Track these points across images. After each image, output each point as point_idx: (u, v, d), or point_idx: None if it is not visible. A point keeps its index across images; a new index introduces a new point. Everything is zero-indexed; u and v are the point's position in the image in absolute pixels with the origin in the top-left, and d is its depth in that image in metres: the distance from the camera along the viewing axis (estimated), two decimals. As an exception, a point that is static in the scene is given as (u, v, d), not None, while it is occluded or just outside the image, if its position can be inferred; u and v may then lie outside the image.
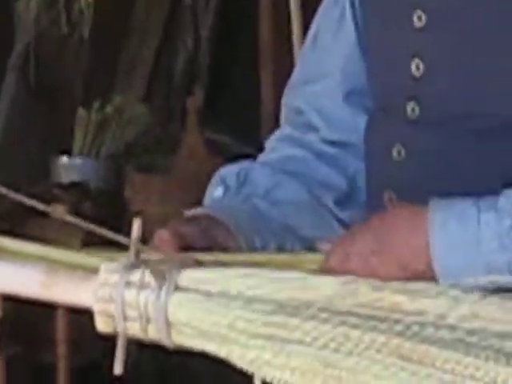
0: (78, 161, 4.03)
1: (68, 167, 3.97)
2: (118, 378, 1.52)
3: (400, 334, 1.25)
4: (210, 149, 4.07)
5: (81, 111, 4.26)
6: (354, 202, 2.59)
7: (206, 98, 4.75)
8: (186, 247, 2.00)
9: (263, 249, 2.38)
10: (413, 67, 2.39)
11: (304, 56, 2.77)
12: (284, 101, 2.76)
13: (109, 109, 4.29)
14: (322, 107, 2.63)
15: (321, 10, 2.75)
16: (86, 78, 4.75)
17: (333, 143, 2.62)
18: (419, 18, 2.38)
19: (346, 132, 2.62)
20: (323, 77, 2.65)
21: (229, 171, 2.57)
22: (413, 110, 2.39)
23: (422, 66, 2.38)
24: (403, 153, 2.42)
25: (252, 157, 3.91)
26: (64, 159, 4.04)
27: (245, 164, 2.61)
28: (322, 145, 2.63)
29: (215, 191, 2.50)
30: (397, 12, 2.45)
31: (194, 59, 5.02)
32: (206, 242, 2.21)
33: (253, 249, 2.36)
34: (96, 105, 4.34)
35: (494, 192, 2.10)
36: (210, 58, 5.01)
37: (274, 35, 4.70)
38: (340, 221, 2.54)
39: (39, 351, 3.29)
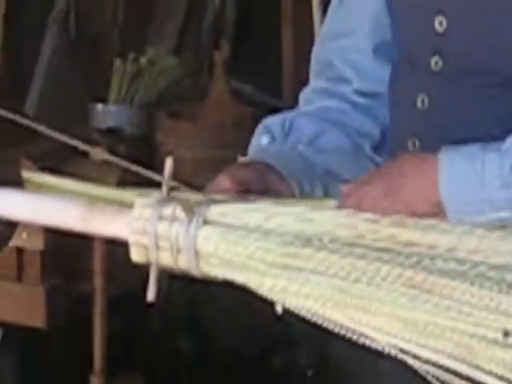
0: (113, 108, 4.07)
1: (105, 114, 4.01)
2: (151, 306, 1.57)
3: (401, 263, 1.28)
4: (235, 97, 4.10)
5: (117, 62, 4.29)
6: (386, 147, 2.58)
7: (231, 52, 4.77)
8: (244, 191, 1.99)
9: (311, 193, 2.38)
10: (436, 23, 2.37)
11: (332, 12, 2.70)
12: (314, 55, 2.72)
13: (142, 60, 4.32)
14: (352, 60, 2.61)
15: None
16: (122, 32, 4.77)
17: (365, 94, 2.61)
18: None
19: (376, 83, 2.61)
20: (352, 32, 2.62)
21: (274, 121, 2.55)
22: (436, 63, 2.38)
23: (444, 22, 2.35)
24: (427, 102, 2.41)
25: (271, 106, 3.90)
26: (101, 106, 4.08)
27: (288, 114, 2.57)
28: (355, 96, 2.60)
29: (261, 139, 2.49)
30: None
31: (220, 15, 5.05)
32: (262, 186, 2.19)
33: (303, 193, 2.34)
34: (131, 56, 4.37)
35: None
36: (235, 15, 5.03)
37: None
38: (377, 165, 2.54)
39: (78, 282, 3.31)
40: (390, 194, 2.11)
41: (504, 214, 1.94)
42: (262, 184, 2.24)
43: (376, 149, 2.58)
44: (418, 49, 2.44)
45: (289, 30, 4.91)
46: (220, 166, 2.48)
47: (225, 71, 4.46)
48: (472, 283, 1.28)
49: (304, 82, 2.75)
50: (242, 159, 2.37)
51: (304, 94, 2.70)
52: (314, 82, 2.70)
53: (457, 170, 2.13)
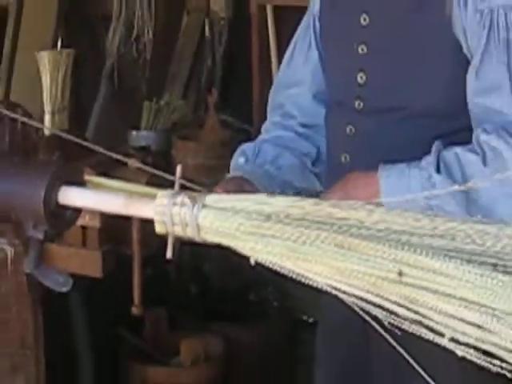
0: (143, 133, 4.10)
1: (138, 137, 4.04)
2: (169, 262, 1.59)
3: (335, 231, 1.28)
4: (222, 125, 4.16)
5: (145, 103, 4.30)
6: (321, 162, 2.52)
7: (219, 96, 4.78)
8: None
9: None
10: (358, 78, 2.33)
11: (284, 67, 2.65)
12: (271, 97, 2.67)
13: (161, 102, 4.33)
14: (297, 103, 2.54)
15: (294, 39, 2.64)
16: (148, 83, 4.82)
17: (306, 126, 2.53)
18: (362, 49, 2.31)
19: (314, 118, 2.53)
20: (298, 83, 2.55)
21: (247, 147, 2.50)
22: (358, 104, 2.33)
23: (364, 77, 2.31)
24: (353, 130, 2.35)
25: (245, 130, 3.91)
26: (135, 132, 4.11)
27: (257, 142, 2.53)
28: (299, 127, 2.53)
29: (239, 159, 2.44)
30: (346, 45, 2.37)
31: (212, 72, 5.07)
32: None
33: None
34: (154, 100, 4.38)
35: (414, 158, 2.14)
36: (221, 72, 5.06)
37: (260, 59, 4.74)
38: (315, 174, 2.50)
39: (122, 247, 3.33)
40: (346, 199, 1.98)
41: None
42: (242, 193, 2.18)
43: (314, 163, 2.52)
44: (345, 95, 2.40)
45: (256, 82, 4.93)
46: (212, 170, 2.55)
47: (215, 109, 4.47)
48: (379, 243, 1.28)
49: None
50: (228, 176, 2.37)
51: (264, 125, 2.64)
52: (271, 117, 2.64)
53: (392, 184, 2.13)
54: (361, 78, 2.34)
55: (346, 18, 2.42)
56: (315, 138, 2.55)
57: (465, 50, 2.17)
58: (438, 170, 2.08)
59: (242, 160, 2.46)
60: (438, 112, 2.23)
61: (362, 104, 2.35)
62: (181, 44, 4.94)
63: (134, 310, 3.40)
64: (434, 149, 2.11)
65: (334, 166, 2.45)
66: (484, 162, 2.05)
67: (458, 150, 2.09)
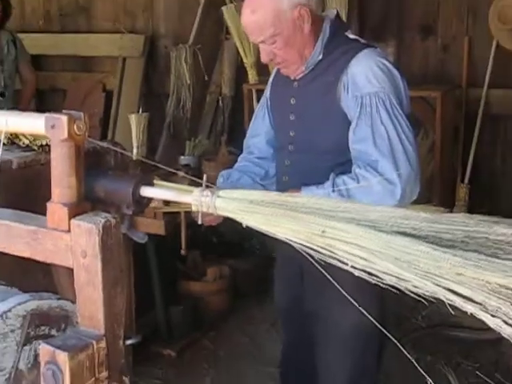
0: (186, 157, 3.99)
1: (183, 160, 3.94)
2: (200, 226, 1.54)
3: (288, 209, 1.27)
4: (229, 153, 4.08)
5: (187, 142, 4.23)
6: (268, 178, 2.35)
7: (227, 137, 4.70)
8: None
9: None
10: (290, 133, 2.23)
11: (250, 126, 2.48)
12: (244, 142, 2.49)
13: (196, 141, 4.25)
14: (257, 146, 2.40)
15: (256, 109, 2.50)
16: (189, 131, 4.68)
17: (260, 158, 2.39)
18: (292, 118, 2.23)
19: (265, 154, 2.39)
20: (258, 135, 2.41)
21: (224, 172, 2.36)
22: (290, 148, 2.23)
23: (293, 133, 2.22)
24: (289, 162, 2.24)
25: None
26: (182, 157, 4.01)
27: (230, 170, 2.38)
28: (256, 159, 2.39)
29: (220, 179, 2.31)
30: (283, 114, 2.27)
31: (223, 124, 4.96)
32: None
33: None
34: (192, 139, 4.30)
35: (324, 177, 2.06)
36: (228, 124, 4.93)
37: (249, 117, 4.68)
38: (263, 185, 2.32)
39: (177, 219, 3.28)
40: None
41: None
42: None
43: (262, 179, 2.36)
44: (283, 143, 2.28)
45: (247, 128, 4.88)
46: None
47: (225, 144, 4.40)
48: (312, 214, 1.26)
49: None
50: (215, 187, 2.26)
51: (239, 157, 2.47)
52: (243, 153, 2.47)
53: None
54: (291, 133, 2.25)
55: (282, 100, 2.29)
56: (264, 165, 2.39)
57: (348, 118, 2.09)
58: (333, 190, 1.99)
59: (220, 180, 2.32)
60: (334, 151, 2.13)
61: (292, 147, 2.25)
62: (206, 109, 4.90)
63: (183, 252, 3.38)
64: (330, 177, 2.03)
65: (280, 182, 2.30)
66: (358, 182, 1.98)
67: (345, 177, 2.02)
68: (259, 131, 2.44)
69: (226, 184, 2.29)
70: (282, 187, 2.18)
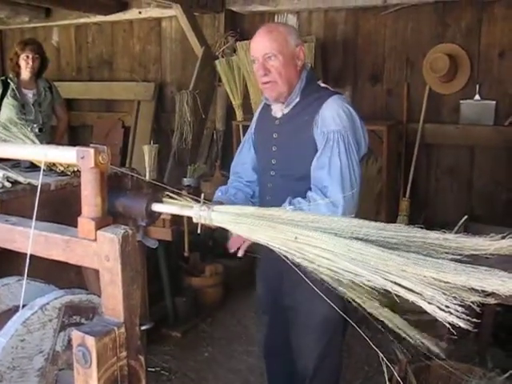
0: (188, 179, 3.95)
1: (186, 181, 3.88)
2: (199, 234, 1.50)
3: (268, 220, 1.26)
4: (222, 175, 4.04)
5: (189, 167, 4.20)
6: (255, 198, 2.28)
7: (221, 163, 4.68)
8: None
9: None
10: (272, 161, 2.19)
11: (237, 154, 2.39)
12: (232, 168, 2.40)
13: (195, 166, 4.21)
14: (244, 172, 2.33)
15: (242, 141, 2.41)
16: (190, 158, 4.65)
17: (248, 181, 2.31)
18: (274, 148, 2.19)
19: (251, 179, 2.32)
20: (245, 163, 2.34)
21: (222, 188, 2.28)
22: (272, 173, 2.19)
23: (275, 161, 2.18)
24: (271, 185, 2.19)
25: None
26: (185, 179, 3.97)
27: (226, 186, 2.29)
28: (245, 182, 2.31)
29: (218, 193, 2.24)
30: (266, 145, 2.21)
31: (217, 152, 4.94)
32: None
33: None
34: (192, 165, 4.27)
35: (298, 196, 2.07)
36: (221, 152, 4.91)
37: (237, 147, 4.67)
38: (253, 203, 2.25)
39: (180, 226, 3.24)
40: None
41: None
42: None
43: (252, 197, 2.29)
44: (266, 169, 2.23)
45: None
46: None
47: (219, 168, 4.38)
48: (287, 224, 1.25)
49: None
50: (213, 200, 2.13)
51: (229, 180, 2.35)
52: (232, 177, 2.37)
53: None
54: (273, 161, 2.21)
55: (266, 134, 2.24)
56: (252, 188, 2.33)
57: (317, 149, 2.07)
58: (290, 208, 1.91)
59: (219, 193, 2.25)
60: (307, 177, 2.09)
61: (274, 173, 2.21)
62: (203, 141, 4.90)
63: (185, 253, 3.36)
64: (288, 198, 2.01)
65: (263, 201, 2.22)
66: (309, 203, 1.97)
67: (299, 198, 2.00)
68: (246, 160, 2.37)
69: (223, 197, 2.23)
70: (265, 205, 2.11)
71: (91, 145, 1.11)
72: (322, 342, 2.24)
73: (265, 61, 2.04)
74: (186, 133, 4.59)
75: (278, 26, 2.12)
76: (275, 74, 2.05)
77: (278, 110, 2.18)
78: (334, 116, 2.05)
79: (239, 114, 4.61)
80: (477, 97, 4.24)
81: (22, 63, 4.20)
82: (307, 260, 1.23)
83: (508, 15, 4.09)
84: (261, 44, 2.05)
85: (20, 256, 1.20)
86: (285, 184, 2.16)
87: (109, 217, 1.14)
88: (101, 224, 1.09)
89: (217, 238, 4.21)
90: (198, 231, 1.43)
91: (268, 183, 2.23)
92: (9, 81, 4.21)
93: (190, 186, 3.86)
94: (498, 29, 4.15)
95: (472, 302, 1.13)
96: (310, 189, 2.07)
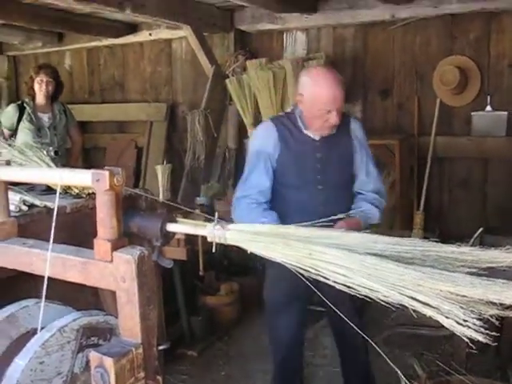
0: (202, 198, 3.94)
1: (199, 200, 3.88)
2: (214, 253, 1.50)
3: (283, 237, 1.27)
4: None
5: (202, 186, 4.21)
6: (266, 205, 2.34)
7: (233, 181, 4.68)
8: None
9: None
10: (318, 176, 2.35)
11: (252, 180, 2.37)
12: (245, 191, 2.37)
13: (209, 185, 4.24)
14: (264, 195, 2.33)
15: (254, 166, 2.39)
16: (203, 177, 4.64)
17: (266, 202, 2.33)
18: (318, 165, 2.35)
19: (269, 198, 2.34)
20: (264, 186, 2.34)
21: (270, 215, 2.28)
22: (319, 187, 2.34)
23: (319, 177, 2.35)
24: (321, 197, 2.33)
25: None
26: (198, 198, 3.97)
27: (269, 211, 2.32)
28: (265, 205, 2.33)
29: (273, 217, 2.29)
30: (309, 164, 2.35)
31: (230, 171, 4.93)
32: None
33: None
34: (206, 183, 4.29)
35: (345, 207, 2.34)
36: (234, 171, 4.91)
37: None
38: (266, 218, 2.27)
39: (194, 246, 3.24)
40: (348, 228, 2.06)
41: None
42: None
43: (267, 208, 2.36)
44: (310, 184, 2.34)
45: None
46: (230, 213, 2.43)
47: (232, 187, 4.38)
48: (301, 242, 1.25)
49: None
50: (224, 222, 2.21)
51: (245, 204, 2.33)
52: (247, 200, 2.35)
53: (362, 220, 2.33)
54: (318, 177, 2.35)
55: (306, 154, 2.35)
56: (268, 196, 2.36)
57: (354, 161, 2.42)
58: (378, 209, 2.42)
59: (274, 217, 2.27)
60: (348, 185, 2.43)
61: (321, 187, 2.35)
62: (215, 160, 4.90)
63: (201, 272, 3.37)
64: (363, 204, 2.38)
65: (313, 212, 2.01)
66: (378, 207, 2.43)
67: (366, 204, 2.40)
68: (265, 183, 2.37)
69: (273, 217, 2.28)
70: (317, 216, 1.99)
71: (106, 167, 1.13)
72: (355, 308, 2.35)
73: (338, 111, 2.27)
74: (199, 152, 4.60)
75: (337, 74, 2.31)
76: (339, 118, 2.30)
77: (315, 134, 2.37)
78: (362, 132, 2.47)
79: (251, 132, 4.62)
80: (488, 108, 4.23)
81: (37, 87, 4.26)
82: (322, 276, 1.24)
83: (516, 26, 4.10)
84: (338, 99, 2.25)
85: (38, 278, 1.21)
86: (332, 195, 2.36)
87: (124, 238, 1.15)
88: (117, 245, 1.10)
89: (232, 256, 4.21)
90: (213, 250, 1.44)
91: (318, 196, 2.36)
92: (25, 105, 4.26)
93: (203, 204, 3.86)
94: (506, 39, 4.15)
95: (490, 316, 1.13)
96: (359, 193, 2.45)
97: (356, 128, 2.44)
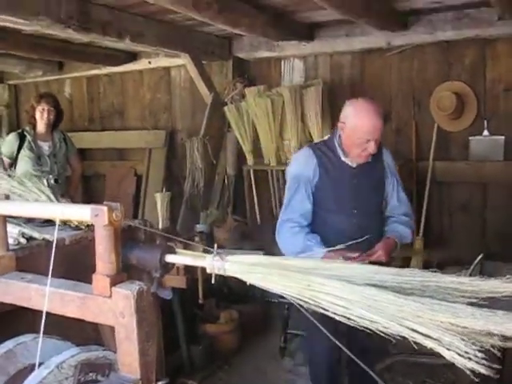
0: (201, 225, 3.92)
1: (198, 227, 3.85)
2: (212, 284, 1.51)
3: (280, 268, 1.26)
4: (234, 220, 4.04)
5: (201, 213, 4.19)
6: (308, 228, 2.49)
7: (232, 207, 4.68)
8: None
9: None
10: (353, 202, 2.50)
11: (293, 206, 2.52)
12: (286, 217, 2.51)
13: (208, 212, 4.21)
14: (305, 218, 2.48)
15: (294, 193, 2.52)
16: (202, 204, 4.61)
17: (308, 225, 2.49)
18: (354, 191, 2.50)
19: (310, 220, 2.50)
20: (306, 210, 2.49)
21: (314, 238, 2.43)
22: (354, 211, 2.49)
23: (355, 203, 2.49)
24: (355, 221, 2.48)
25: (244, 222, 3.76)
26: (197, 225, 3.94)
27: (312, 234, 2.45)
28: (307, 228, 2.48)
29: (316, 239, 2.43)
30: (345, 189, 2.50)
31: (229, 198, 4.91)
32: None
33: None
34: (205, 211, 4.27)
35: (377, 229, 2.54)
36: (233, 197, 4.89)
37: (249, 192, 4.63)
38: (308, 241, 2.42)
39: (193, 275, 3.22)
40: (386, 250, 2.40)
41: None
42: None
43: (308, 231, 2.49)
44: (346, 208, 2.48)
45: (248, 201, 4.73)
46: (229, 240, 2.46)
47: (231, 213, 4.37)
48: (299, 273, 1.25)
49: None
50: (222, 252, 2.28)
51: (289, 228, 2.48)
52: (289, 224, 2.48)
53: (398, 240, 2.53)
54: (354, 203, 2.48)
55: (343, 181, 2.49)
56: (308, 220, 2.50)
57: (386, 187, 2.60)
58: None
59: (313, 241, 2.39)
60: (380, 210, 2.59)
61: (356, 211, 2.48)
62: (214, 187, 4.87)
63: (200, 301, 3.35)
64: (399, 227, 2.56)
65: (347, 236, 2.18)
66: (410, 228, 2.62)
67: (400, 226, 2.56)
68: (307, 206, 2.51)
69: (317, 239, 2.40)
70: (353, 239, 2.14)
71: (104, 202, 1.13)
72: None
73: (376, 140, 2.41)
74: (198, 179, 4.61)
75: (378, 107, 2.46)
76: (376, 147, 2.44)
77: (352, 161, 2.51)
78: (392, 159, 2.64)
79: (250, 159, 4.66)
80: (485, 132, 4.25)
81: (38, 115, 4.29)
82: (322, 308, 1.23)
83: (511, 51, 4.14)
84: (377, 130, 2.40)
85: (36, 313, 1.21)
86: (365, 219, 2.49)
87: (123, 273, 1.15)
88: (115, 280, 1.10)
89: (231, 285, 4.18)
90: (212, 281, 1.43)
91: (353, 219, 2.49)
92: (25, 133, 4.29)
93: (202, 232, 3.85)
94: (502, 65, 4.18)
95: (492, 347, 1.12)
96: (391, 216, 2.61)
97: (387, 155, 2.62)
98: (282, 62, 4.95)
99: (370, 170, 2.52)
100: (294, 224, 2.47)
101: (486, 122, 4.25)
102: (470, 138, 4.30)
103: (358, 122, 2.39)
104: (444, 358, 1.13)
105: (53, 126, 4.39)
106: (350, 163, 2.50)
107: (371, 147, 2.40)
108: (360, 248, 2.25)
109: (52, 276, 1.20)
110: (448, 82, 4.33)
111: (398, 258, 3.94)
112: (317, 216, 2.51)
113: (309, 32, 4.54)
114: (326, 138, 2.68)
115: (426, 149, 4.43)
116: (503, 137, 4.19)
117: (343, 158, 2.49)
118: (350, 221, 2.46)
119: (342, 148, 2.49)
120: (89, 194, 5.97)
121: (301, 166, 2.53)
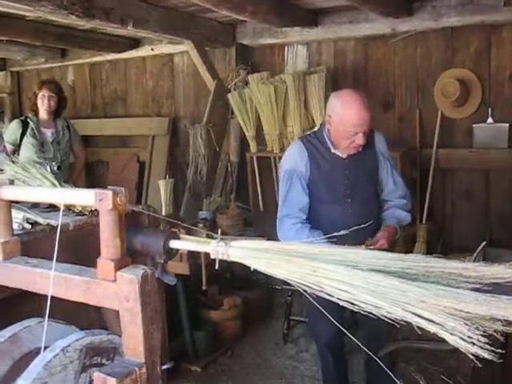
0: (204, 212, 3.94)
1: (201, 214, 3.87)
2: (217, 270, 1.51)
3: (286, 254, 1.26)
4: (237, 207, 4.04)
5: (204, 200, 4.20)
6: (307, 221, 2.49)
7: (235, 194, 4.67)
8: None
9: None
10: (347, 191, 2.50)
11: (290, 199, 2.51)
12: (286, 212, 2.50)
13: (211, 199, 4.22)
14: (303, 211, 2.47)
15: (289, 187, 2.50)
16: (205, 191, 4.61)
17: (307, 218, 2.48)
18: (346, 181, 2.49)
19: (307, 206, 2.49)
20: (303, 204, 2.48)
21: (311, 233, 2.39)
22: (348, 200, 2.50)
23: (349, 191, 2.49)
24: (351, 210, 2.47)
25: (247, 209, 3.76)
26: (200, 212, 3.95)
27: (313, 231, 2.41)
28: (306, 221, 2.47)
29: (316, 232, 2.39)
30: (338, 180, 2.51)
31: (232, 185, 4.90)
32: None
33: None
34: (208, 197, 4.28)
35: (375, 213, 2.59)
36: (236, 184, 4.89)
37: (252, 179, 4.65)
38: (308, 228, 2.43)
39: (196, 260, 3.22)
40: (388, 238, 2.42)
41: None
42: None
43: (306, 221, 2.49)
44: (340, 198, 2.48)
45: (250, 188, 4.74)
46: (233, 227, 2.46)
47: (233, 200, 4.37)
48: (305, 259, 1.25)
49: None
50: (227, 238, 2.33)
51: (291, 224, 2.46)
52: (291, 219, 2.47)
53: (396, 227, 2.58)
54: (348, 191, 2.48)
55: (335, 172, 2.48)
56: (307, 212, 2.49)
57: (379, 173, 2.59)
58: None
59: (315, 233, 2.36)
60: (375, 197, 2.60)
61: (350, 200, 2.48)
62: (218, 174, 4.87)
63: (204, 287, 3.35)
64: (395, 210, 2.59)
65: (342, 224, 2.03)
66: (408, 210, 2.61)
67: (397, 210, 2.58)
68: (304, 201, 2.50)
69: (316, 233, 2.38)
70: (347, 228, 2.08)
71: (109, 187, 1.13)
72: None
73: (364, 132, 2.38)
74: (201, 166, 4.61)
75: (364, 98, 2.42)
76: (366, 138, 2.41)
77: (343, 153, 2.49)
78: (385, 143, 2.62)
79: (253, 146, 4.65)
80: (489, 120, 4.23)
81: (39, 102, 4.27)
82: (326, 293, 1.23)
83: (517, 38, 4.11)
84: (365, 122, 2.35)
85: (41, 297, 1.21)
86: (361, 208, 2.49)
87: (127, 257, 1.15)
88: (120, 265, 1.10)
89: (235, 270, 4.20)
90: (216, 267, 1.43)
91: (348, 209, 2.48)
92: (28, 120, 4.29)
93: (205, 219, 3.86)
94: (507, 52, 4.15)
95: (495, 332, 1.12)
96: (389, 200, 2.60)
97: (379, 140, 2.59)
98: (286, 49, 4.92)
99: (362, 159, 2.50)
100: (295, 220, 2.46)
101: (490, 110, 4.22)
102: (474, 125, 4.28)
103: (345, 115, 2.34)
104: (446, 343, 1.13)
105: (55, 112, 4.37)
106: (340, 155, 2.48)
107: (359, 139, 2.36)
108: (360, 236, 2.24)
109: (56, 261, 1.20)
110: (452, 69, 4.30)
111: (401, 245, 3.94)
112: (310, 207, 2.51)
113: (313, 18, 4.50)
114: (315, 128, 2.64)
115: (429, 136, 4.41)
116: (507, 124, 4.17)
117: (333, 150, 2.48)
118: (344, 211, 2.46)
119: (332, 140, 2.47)
120: (92, 181, 5.97)
121: (293, 160, 2.51)
